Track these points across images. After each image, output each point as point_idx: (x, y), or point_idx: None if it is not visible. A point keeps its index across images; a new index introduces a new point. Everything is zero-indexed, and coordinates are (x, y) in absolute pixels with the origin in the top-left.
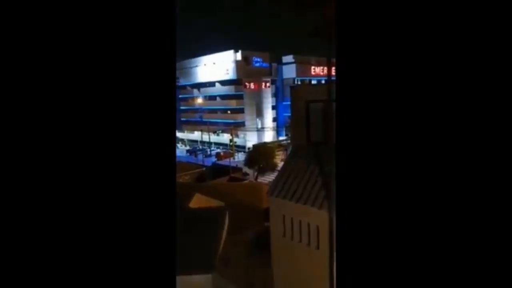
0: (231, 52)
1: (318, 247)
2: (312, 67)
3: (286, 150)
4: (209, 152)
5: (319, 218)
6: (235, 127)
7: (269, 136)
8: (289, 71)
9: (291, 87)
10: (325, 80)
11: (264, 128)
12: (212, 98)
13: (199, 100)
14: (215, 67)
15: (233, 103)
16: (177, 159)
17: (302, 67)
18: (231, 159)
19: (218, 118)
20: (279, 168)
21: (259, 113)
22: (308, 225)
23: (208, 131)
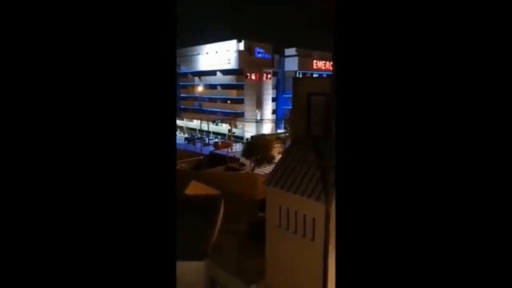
0: (234, 41)
1: (313, 239)
2: (314, 61)
3: (284, 143)
4: (207, 141)
5: (316, 210)
6: (234, 117)
7: (267, 128)
8: (291, 64)
9: (294, 79)
10: (328, 74)
11: (263, 120)
12: (212, 87)
13: (200, 89)
14: (217, 56)
15: (233, 93)
16: None
17: (305, 60)
18: (229, 149)
19: (217, 108)
20: (276, 161)
21: (259, 105)
22: (304, 216)
23: (207, 120)
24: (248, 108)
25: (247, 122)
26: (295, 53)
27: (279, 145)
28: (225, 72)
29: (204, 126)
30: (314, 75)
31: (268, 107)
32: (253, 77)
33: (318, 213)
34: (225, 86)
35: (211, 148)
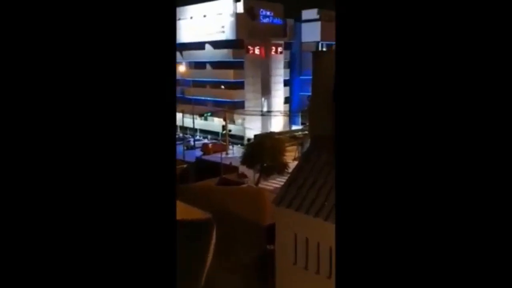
0: (230, 1)
1: None
2: None
3: (301, 145)
4: (192, 143)
5: None
6: (231, 109)
7: (278, 124)
8: (311, 32)
9: (315, 53)
10: None
11: (271, 112)
12: (199, 65)
13: (181, 68)
14: (206, 21)
15: (229, 75)
16: None
17: (330, 26)
18: (224, 153)
19: (207, 95)
20: (290, 170)
21: (266, 91)
22: (330, 250)
23: (192, 113)
24: (250, 96)
25: (248, 115)
26: (317, 17)
27: (294, 147)
28: (217, 44)
29: (188, 122)
30: None
31: (279, 93)
32: (256, 51)
33: None
34: (217, 65)
35: (198, 152)
